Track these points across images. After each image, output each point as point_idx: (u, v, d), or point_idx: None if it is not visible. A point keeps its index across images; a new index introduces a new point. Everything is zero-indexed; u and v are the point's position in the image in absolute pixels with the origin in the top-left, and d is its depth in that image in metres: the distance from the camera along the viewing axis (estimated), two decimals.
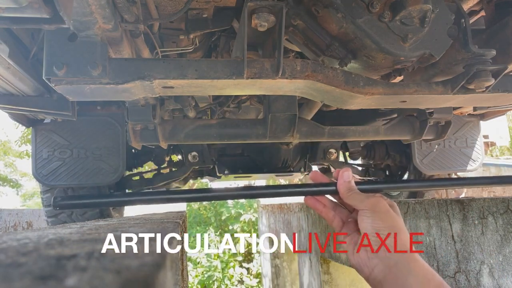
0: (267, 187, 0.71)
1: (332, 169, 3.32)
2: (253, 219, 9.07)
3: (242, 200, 10.48)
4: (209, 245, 9.18)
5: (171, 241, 0.51)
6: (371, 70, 1.47)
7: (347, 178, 0.68)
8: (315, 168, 3.50)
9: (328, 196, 0.72)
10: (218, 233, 9.47)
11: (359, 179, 0.72)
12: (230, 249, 8.95)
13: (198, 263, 8.89)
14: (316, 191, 0.70)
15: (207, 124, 2.11)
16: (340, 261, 2.59)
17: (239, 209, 9.53)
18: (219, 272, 8.50)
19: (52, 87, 1.28)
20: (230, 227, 9.54)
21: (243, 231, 9.30)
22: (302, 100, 2.35)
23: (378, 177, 3.18)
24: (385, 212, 0.64)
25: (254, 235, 8.98)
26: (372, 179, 3.21)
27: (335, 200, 0.74)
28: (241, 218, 9.22)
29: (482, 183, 0.74)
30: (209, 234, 9.34)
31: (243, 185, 0.73)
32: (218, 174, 3.16)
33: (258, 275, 8.54)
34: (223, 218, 9.81)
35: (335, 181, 0.70)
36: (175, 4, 1.45)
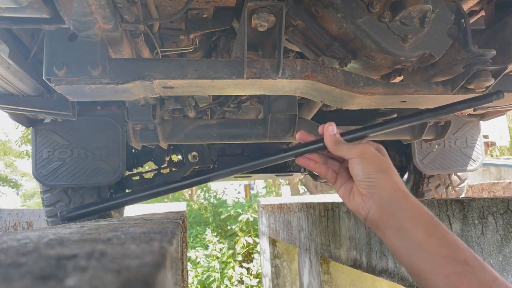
0: (259, 157, 0.73)
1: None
2: (251, 219, 9.07)
3: (242, 200, 10.49)
4: (207, 246, 9.19)
5: (171, 241, 0.51)
6: (371, 70, 1.47)
7: (332, 132, 0.71)
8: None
9: None
10: (215, 234, 9.47)
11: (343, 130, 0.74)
12: (229, 249, 8.97)
13: (198, 263, 8.89)
14: (306, 150, 0.73)
15: (207, 124, 2.11)
16: (340, 261, 2.59)
17: (238, 209, 9.53)
18: (217, 272, 8.51)
19: (52, 87, 1.28)
20: (229, 227, 9.55)
21: (242, 231, 9.31)
22: (302, 100, 2.35)
23: None
24: (373, 156, 0.67)
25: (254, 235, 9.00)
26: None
27: (324, 154, 0.76)
28: (240, 218, 9.22)
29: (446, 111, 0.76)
30: (206, 235, 9.35)
31: (236, 166, 0.74)
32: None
33: (258, 275, 8.54)
34: (222, 217, 9.82)
35: (321, 136, 0.72)
36: (175, 4, 1.45)
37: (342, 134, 0.72)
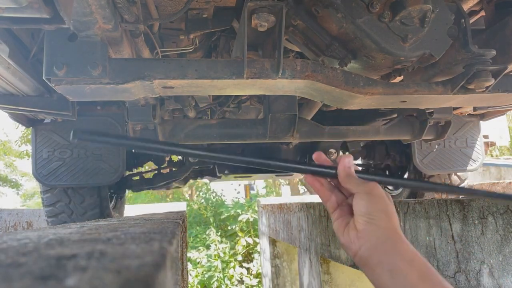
0: (276, 159, 0.73)
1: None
2: (251, 219, 9.07)
3: (242, 200, 10.49)
4: (209, 246, 9.20)
5: (171, 241, 0.51)
6: (371, 70, 1.47)
7: (348, 164, 0.71)
8: None
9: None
10: (219, 234, 9.48)
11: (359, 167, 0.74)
12: (230, 249, 8.97)
13: (198, 263, 8.89)
14: (317, 171, 0.73)
15: (207, 124, 2.11)
16: (340, 261, 2.59)
17: (238, 209, 9.53)
18: (219, 272, 8.51)
19: (52, 87, 1.28)
20: (229, 227, 9.55)
21: (242, 231, 9.31)
22: (302, 100, 2.35)
23: None
24: (380, 197, 0.67)
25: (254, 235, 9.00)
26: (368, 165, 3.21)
27: (333, 183, 0.76)
28: (240, 218, 9.22)
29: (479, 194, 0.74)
30: (209, 234, 9.35)
31: (253, 160, 0.73)
32: (218, 174, 3.16)
33: (258, 275, 8.54)
34: (222, 217, 9.82)
35: (336, 165, 0.73)
36: (175, 4, 1.45)
37: (356, 171, 0.72)
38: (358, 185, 0.68)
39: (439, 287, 0.58)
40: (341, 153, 3.12)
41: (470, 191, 0.73)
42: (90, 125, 2.24)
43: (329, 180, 0.75)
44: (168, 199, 13.98)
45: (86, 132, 0.60)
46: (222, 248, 8.99)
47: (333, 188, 0.75)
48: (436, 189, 0.75)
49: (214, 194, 11.28)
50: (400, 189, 3.02)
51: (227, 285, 8.48)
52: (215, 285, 8.45)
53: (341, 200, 0.74)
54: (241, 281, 8.69)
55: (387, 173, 3.20)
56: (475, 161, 2.58)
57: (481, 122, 2.60)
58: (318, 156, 0.75)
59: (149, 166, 4.96)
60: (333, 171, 0.71)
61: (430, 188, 0.77)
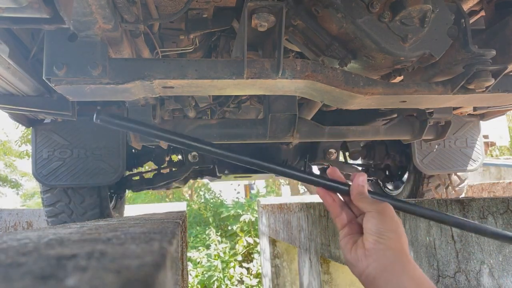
0: (290, 168, 0.73)
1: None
2: (253, 219, 9.08)
3: (242, 200, 10.49)
4: (209, 245, 9.20)
5: (171, 241, 0.51)
6: (371, 70, 1.47)
7: (361, 182, 0.71)
8: (315, 168, 3.50)
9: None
10: (219, 233, 9.48)
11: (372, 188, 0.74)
12: (231, 249, 8.98)
13: (198, 263, 8.89)
14: (330, 185, 0.73)
15: (207, 124, 2.11)
16: (340, 261, 2.59)
17: (238, 210, 9.53)
18: (219, 272, 8.51)
19: (52, 87, 1.28)
20: (229, 228, 9.55)
21: (242, 231, 9.31)
22: (302, 100, 2.35)
23: (378, 177, 3.17)
24: (391, 217, 0.68)
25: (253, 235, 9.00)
26: (373, 179, 3.21)
27: (343, 200, 0.76)
28: (241, 219, 9.23)
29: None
30: (209, 234, 9.35)
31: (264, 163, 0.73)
32: (218, 174, 3.16)
33: (258, 275, 8.54)
34: (221, 217, 9.83)
35: (350, 183, 0.73)
36: (175, 4, 1.45)
37: (368, 191, 0.73)
38: (371, 204, 0.69)
39: None
40: (341, 153, 3.12)
41: (487, 230, 0.72)
42: (90, 125, 2.24)
43: (340, 196, 0.75)
44: (168, 199, 13.98)
45: (108, 115, 0.60)
46: (222, 248, 9.00)
47: (343, 205, 0.75)
48: (448, 222, 0.74)
49: (213, 195, 11.28)
50: (400, 189, 3.02)
51: (227, 285, 8.48)
52: (215, 285, 8.45)
53: (350, 218, 0.74)
54: (241, 281, 8.69)
55: (387, 173, 3.20)
56: (475, 161, 2.58)
57: (481, 122, 2.60)
58: (332, 171, 0.75)
59: (149, 166, 4.96)
60: (346, 188, 0.72)
61: (444, 220, 0.76)
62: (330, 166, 0.77)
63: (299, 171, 0.73)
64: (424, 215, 0.74)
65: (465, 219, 0.73)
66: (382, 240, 0.65)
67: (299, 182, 12.58)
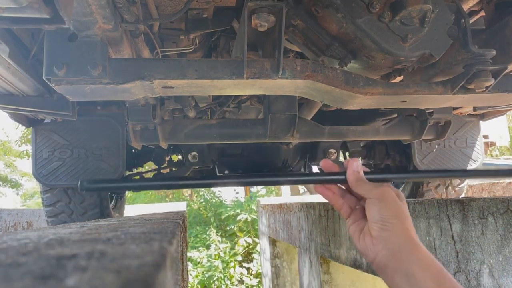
0: (283, 174, 0.73)
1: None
2: (249, 219, 9.07)
3: (242, 200, 10.49)
4: (209, 245, 9.20)
5: (171, 241, 0.51)
6: (371, 70, 1.47)
7: (356, 168, 0.71)
8: (314, 168, 3.50)
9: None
10: (219, 233, 9.48)
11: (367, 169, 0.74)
12: (231, 249, 8.98)
13: (199, 263, 8.89)
14: (327, 179, 0.73)
15: (207, 124, 2.11)
16: (340, 261, 2.59)
17: (237, 209, 9.53)
18: (220, 272, 8.51)
19: (52, 87, 1.28)
20: (228, 228, 9.55)
21: (241, 231, 9.31)
22: (302, 100, 2.35)
23: None
24: (392, 201, 0.67)
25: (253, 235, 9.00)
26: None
27: (343, 187, 0.76)
28: (238, 218, 9.22)
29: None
30: (209, 234, 9.35)
31: (252, 174, 0.75)
32: (218, 174, 3.16)
33: (258, 275, 8.54)
34: (222, 217, 9.82)
35: (344, 170, 0.72)
36: (175, 4, 1.45)
37: (364, 173, 0.72)
38: (369, 190, 0.68)
39: None
40: (341, 153, 3.12)
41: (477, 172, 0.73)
42: (90, 125, 2.24)
43: (339, 185, 0.74)
44: (168, 199, 13.98)
45: (91, 182, 0.61)
46: (223, 248, 9.00)
47: (344, 193, 0.74)
48: (436, 175, 0.75)
49: (212, 195, 11.27)
50: (400, 189, 3.02)
51: (227, 285, 8.48)
52: (215, 285, 8.45)
53: (354, 203, 0.74)
54: (241, 281, 8.69)
55: None
56: (475, 161, 2.58)
57: (481, 122, 2.60)
58: (325, 164, 0.75)
59: (149, 166, 4.96)
60: (343, 177, 0.71)
61: (434, 175, 0.77)
62: (323, 160, 0.76)
63: (293, 175, 0.74)
64: (423, 176, 0.75)
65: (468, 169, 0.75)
66: (386, 227, 0.65)
67: None
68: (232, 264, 8.77)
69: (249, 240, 9.06)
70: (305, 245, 3.47)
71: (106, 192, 0.66)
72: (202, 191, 11.90)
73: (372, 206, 0.67)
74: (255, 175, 0.74)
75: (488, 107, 2.24)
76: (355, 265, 2.28)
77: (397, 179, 0.74)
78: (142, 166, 3.14)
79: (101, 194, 2.41)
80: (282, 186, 14.72)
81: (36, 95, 1.75)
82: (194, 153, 2.83)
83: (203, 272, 8.62)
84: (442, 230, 1.59)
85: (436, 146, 2.54)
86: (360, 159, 3.21)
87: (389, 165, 3.07)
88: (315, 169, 3.55)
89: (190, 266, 8.70)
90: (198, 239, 9.63)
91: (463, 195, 2.87)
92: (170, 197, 14.23)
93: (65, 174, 2.20)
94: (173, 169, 3.07)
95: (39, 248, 0.42)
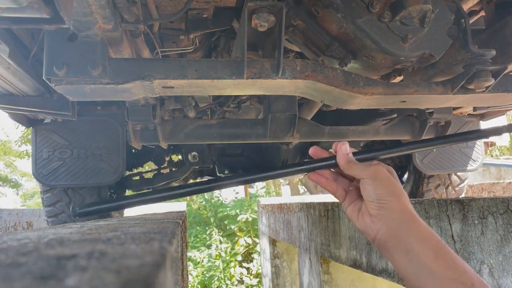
0: (272, 168, 0.74)
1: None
2: (250, 219, 9.07)
3: (242, 199, 10.50)
4: (210, 245, 9.20)
5: (171, 241, 0.51)
6: (371, 70, 1.47)
7: (345, 151, 0.72)
8: None
9: None
10: (221, 234, 9.48)
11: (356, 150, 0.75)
12: (231, 249, 8.98)
13: (199, 263, 8.89)
14: (318, 166, 0.74)
15: (207, 124, 2.11)
16: (340, 261, 2.59)
17: (238, 209, 9.53)
18: (220, 272, 8.51)
19: (52, 87, 1.28)
20: (228, 228, 9.55)
21: (241, 231, 9.31)
22: (302, 100, 2.35)
23: None
24: (386, 179, 0.68)
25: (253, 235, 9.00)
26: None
27: (335, 172, 0.77)
28: (238, 218, 9.22)
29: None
30: (209, 234, 9.35)
31: (243, 174, 0.74)
32: (218, 174, 3.16)
33: (258, 275, 8.54)
34: (219, 216, 9.83)
35: (334, 154, 0.73)
36: (175, 4, 1.45)
37: (353, 154, 0.73)
38: (362, 170, 0.69)
39: (453, 265, 0.59)
40: None
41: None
42: (90, 125, 2.24)
43: (331, 170, 0.75)
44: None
45: (84, 206, 0.62)
46: (224, 248, 9.00)
47: (336, 177, 0.75)
48: (428, 144, 0.75)
49: (212, 195, 11.27)
50: None
51: (227, 285, 8.48)
52: (216, 285, 8.45)
53: (347, 185, 0.75)
54: (241, 281, 8.69)
55: None
56: (475, 161, 2.58)
57: (481, 122, 2.60)
58: (314, 151, 0.76)
59: (149, 166, 4.95)
60: (333, 161, 0.72)
61: (423, 146, 0.78)
62: (312, 147, 0.77)
63: (285, 167, 0.74)
64: (408, 149, 0.75)
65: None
66: (383, 204, 0.66)
67: (299, 182, 12.59)
68: (232, 264, 8.77)
69: (249, 240, 9.07)
70: (305, 245, 3.47)
71: (100, 213, 0.66)
72: None
73: (367, 186, 0.68)
74: (247, 174, 0.74)
75: (488, 107, 2.25)
76: (355, 265, 2.28)
77: (385, 155, 0.74)
78: (142, 166, 3.15)
79: (101, 194, 2.41)
80: (282, 186, 14.72)
81: (36, 95, 1.75)
82: (194, 153, 2.83)
83: (203, 272, 8.62)
84: (442, 230, 1.59)
85: None
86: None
87: (389, 165, 3.06)
88: None
89: (190, 266, 8.71)
90: (198, 239, 9.63)
91: (463, 195, 2.87)
92: None
93: (65, 174, 2.20)
94: (173, 169, 3.07)
95: (39, 248, 0.42)
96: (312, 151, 0.76)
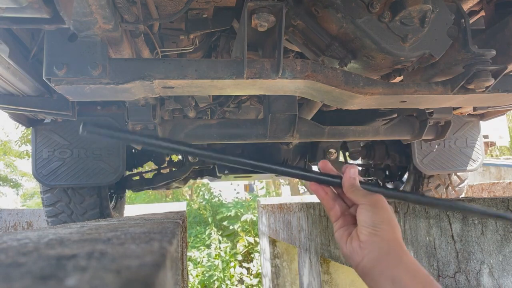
0: (282, 165, 0.73)
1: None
2: (254, 218, 9.08)
3: (243, 200, 10.50)
4: (209, 245, 9.20)
5: (171, 241, 0.51)
6: (371, 70, 1.47)
7: (353, 174, 0.72)
8: (314, 168, 3.50)
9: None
10: (220, 233, 9.49)
11: (363, 179, 0.75)
12: (231, 248, 8.98)
13: (199, 262, 8.90)
14: (322, 179, 0.74)
15: (207, 124, 2.11)
16: (340, 261, 2.59)
17: (239, 209, 9.53)
18: (220, 272, 8.51)
19: (52, 87, 1.28)
20: (231, 227, 9.55)
21: (243, 231, 9.31)
22: (302, 100, 2.35)
23: (378, 177, 3.17)
24: (385, 208, 0.68)
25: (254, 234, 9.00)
26: (373, 179, 3.22)
27: (336, 192, 0.77)
28: (243, 218, 9.23)
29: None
30: (209, 234, 9.36)
31: (252, 162, 0.73)
32: (218, 174, 3.16)
33: (258, 275, 8.54)
34: (218, 217, 9.83)
35: (341, 175, 0.73)
36: (175, 4, 1.45)
37: (360, 183, 0.73)
38: (363, 196, 0.69)
39: None
40: (341, 153, 3.12)
41: (474, 209, 0.73)
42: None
43: (333, 189, 0.75)
44: (168, 199, 13.98)
45: (94, 125, 0.60)
46: (224, 248, 9.00)
47: (336, 197, 0.75)
48: (437, 205, 0.75)
49: (212, 195, 11.27)
50: (401, 188, 3.02)
51: (227, 284, 8.49)
52: (216, 285, 8.45)
53: (344, 209, 0.75)
54: (241, 281, 8.70)
55: (387, 173, 3.20)
56: (475, 161, 2.58)
57: (481, 122, 2.60)
58: (324, 165, 0.76)
59: (149, 166, 4.96)
60: (338, 181, 0.72)
61: (433, 204, 0.77)
62: (322, 160, 0.77)
63: (291, 168, 0.74)
64: (415, 201, 0.75)
65: (455, 200, 0.74)
66: (376, 232, 0.66)
67: (299, 182, 12.60)
68: (232, 264, 8.77)
69: (250, 239, 9.07)
70: (305, 245, 3.47)
71: (109, 138, 0.64)
72: (202, 190, 11.90)
73: (365, 212, 0.68)
74: (257, 160, 0.73)
75: (488, 107, 2.25)
76: None
77: (391, 197, 0.74)
78: (142, 166, 3.15)
79: (101, 194, 2.41)
80: (282, 186, 14.73)
81: (36, 95, 1.75)
82: None
83: (203, 272, 8.63)
84: (442, 230, 1.59)
85: (436, 146, 2.54)
86: (360, 158, 3.22)
87: (389, 165, 3.06)
88: (315, 169, 3.55)
89: (190, 266, 8.71)
90: (198, 239, 9.63)
91: (463, 195, 2.87)
92: (170, 197, 14.23)
93: (65, 174, 2.20)
94: (173, 169, 3.07)
95: (39, 248, 0.42)
96: (321, 164, 0.76)
